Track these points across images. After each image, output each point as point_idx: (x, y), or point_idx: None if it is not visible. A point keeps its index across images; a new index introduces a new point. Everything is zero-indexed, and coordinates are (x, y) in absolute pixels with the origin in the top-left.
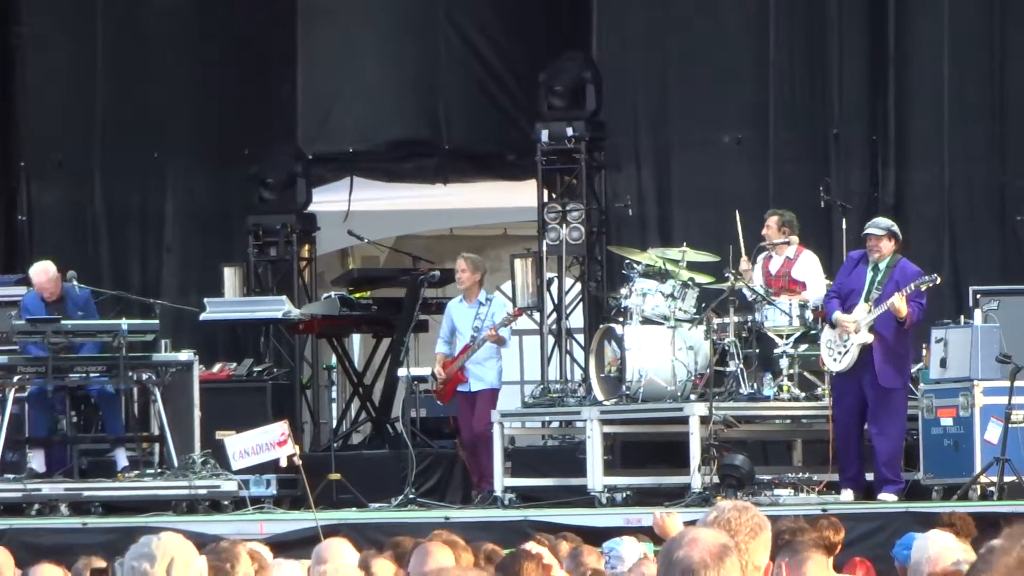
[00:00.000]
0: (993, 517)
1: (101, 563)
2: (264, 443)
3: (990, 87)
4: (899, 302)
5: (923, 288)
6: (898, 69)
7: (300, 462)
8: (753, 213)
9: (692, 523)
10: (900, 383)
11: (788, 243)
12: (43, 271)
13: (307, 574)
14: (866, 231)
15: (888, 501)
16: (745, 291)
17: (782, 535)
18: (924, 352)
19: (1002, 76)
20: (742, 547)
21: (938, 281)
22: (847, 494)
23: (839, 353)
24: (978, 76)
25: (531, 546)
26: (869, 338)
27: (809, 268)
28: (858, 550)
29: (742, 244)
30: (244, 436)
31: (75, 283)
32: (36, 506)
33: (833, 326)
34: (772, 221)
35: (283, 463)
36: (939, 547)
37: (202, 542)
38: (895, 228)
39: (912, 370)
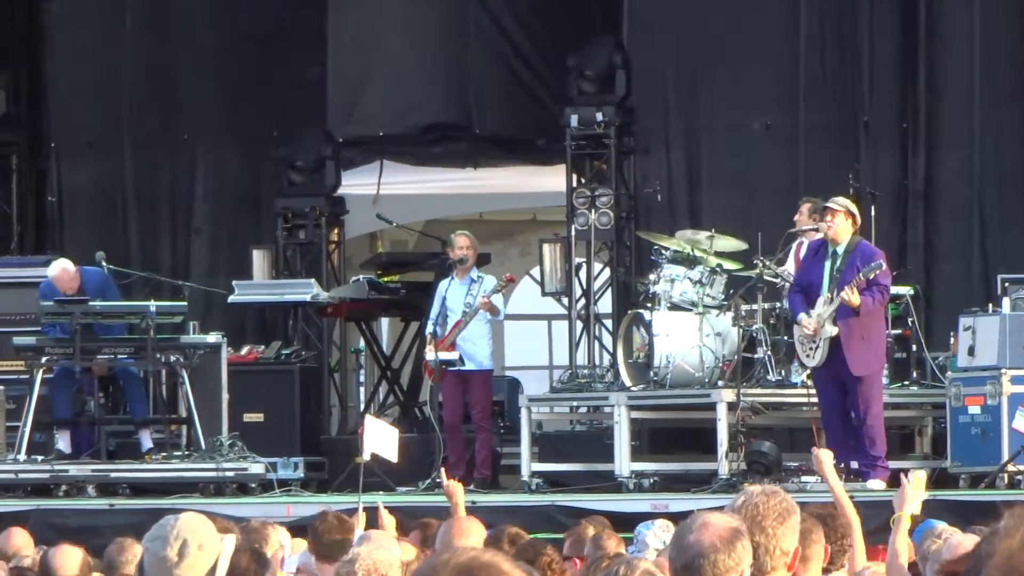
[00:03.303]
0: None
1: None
2: (385, 440)
3: (1021, 72)
4: (849, 296)
5: (871, 276)
6: (928, 53)
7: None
8: (782, 199)
9: (718, 509)
10: (873, 368)
11: (817, 230)
12: (63, 269)
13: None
14: (824, 204)
15: (876, 489)
16: (779, 279)
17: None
18: (952, 340)
19: None
20: (769, 532)
21: (884, 267)
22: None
23: (811, 349)
24: (1009, 60)
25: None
26: (835, 331)
27: None
28: (884, 538)
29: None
30: (381, 424)
31: (103, 264)
32: (63, 487)
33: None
34: (804, 208)
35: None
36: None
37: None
38: (853, 208)
39: (940, 358)
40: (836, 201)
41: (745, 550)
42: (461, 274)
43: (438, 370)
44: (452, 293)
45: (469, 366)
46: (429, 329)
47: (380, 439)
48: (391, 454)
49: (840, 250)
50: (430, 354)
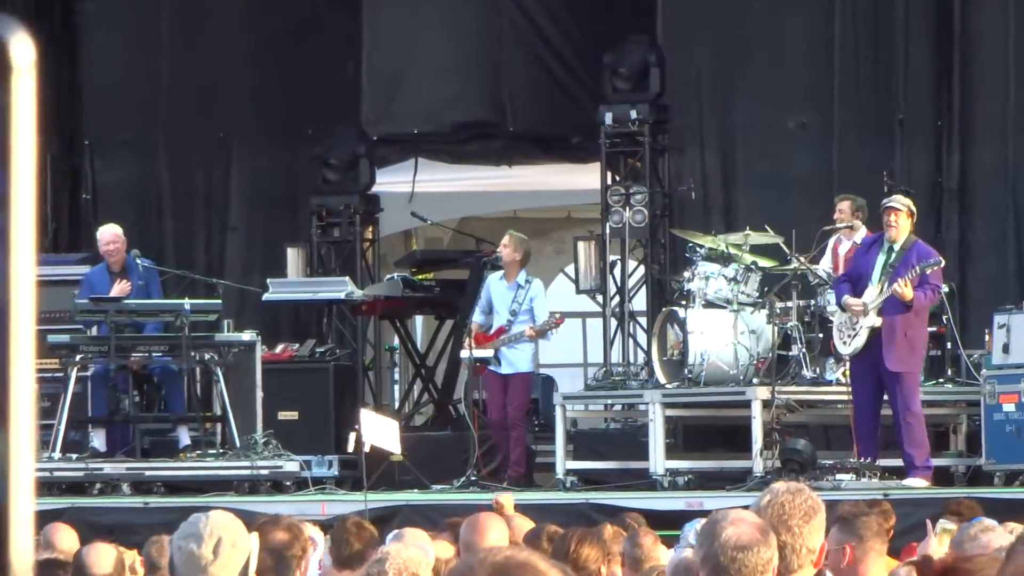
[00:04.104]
0: None
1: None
2: (384, 433)
3: None
4: (902, 287)
5: (928, 272)
6: (963, 51)
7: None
8: (816, 197)
9: (744, 507)
10: (910, 367)
11: (852, 227)
12: (113, 232)
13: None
14: (887, 204)
15: (915, 487)
16: (808, 275)
17: (842, 518)
18: (987, 338)
19: None
20: (796, 530)
21: (942, 264)
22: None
23: (849, 336)
24: None
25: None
26: (877, 321)
27: None
28: (919, 536)
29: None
30: (377, 417)
31: (138, 261)
32: (98, 485)
33: (844, 310)
34: (845, 206)
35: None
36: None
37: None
38: (913, 207)
39: (975, 355)
40: (899, 200)
41: (774, 544)
42: (509, 276)
43: (472, 367)
44: (499, 293)
45: (507, 370)
46: (476, 318)
47: (379, 432)
48: (393, 446)
49: (896, 246)
50: (465, 353)
